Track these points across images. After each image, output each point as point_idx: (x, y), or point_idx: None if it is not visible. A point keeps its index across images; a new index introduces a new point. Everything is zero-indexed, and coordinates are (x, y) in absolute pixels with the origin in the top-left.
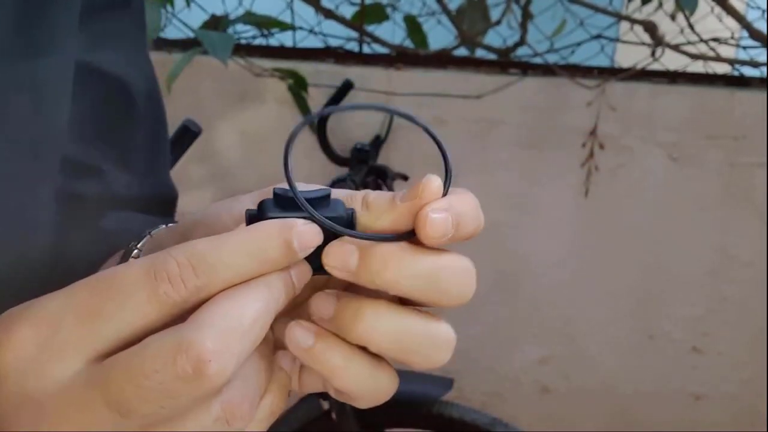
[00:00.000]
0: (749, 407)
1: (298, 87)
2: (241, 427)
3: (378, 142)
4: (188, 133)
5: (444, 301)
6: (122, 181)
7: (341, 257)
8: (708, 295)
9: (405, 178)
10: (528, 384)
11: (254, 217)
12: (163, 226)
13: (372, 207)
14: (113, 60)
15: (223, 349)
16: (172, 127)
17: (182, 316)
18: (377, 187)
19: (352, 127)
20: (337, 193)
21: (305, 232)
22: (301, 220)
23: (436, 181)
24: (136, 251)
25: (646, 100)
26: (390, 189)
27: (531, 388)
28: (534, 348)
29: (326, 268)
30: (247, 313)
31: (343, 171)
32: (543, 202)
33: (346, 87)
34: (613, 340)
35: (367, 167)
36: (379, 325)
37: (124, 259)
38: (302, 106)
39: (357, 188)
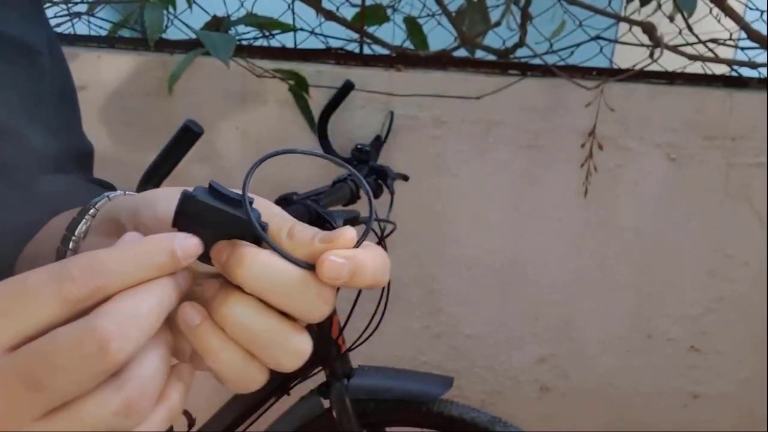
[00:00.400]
0: (747, 406)
1: (300, 88)
2: (138, 421)
3: (378, 142)
4: (189, 134)
5: (293, 312)
6: (38, 140)
7: (217, 253)
8: (706, 294)
9: (405, 178)
10: (527, 383)
11: (188, 197)
12: (120, 192)
13: (294, 238)
14: (13, 21)
15: (123, 332)
16: (174, 127)
17: (84, 314)
18: (378, 187)
19: (353, 128)
20: (275, 213)
21: (187, 245)
22: (183, 234)
23: (350, 233)
24: (93, 210)
25: (644, 100)
26: (390, 189)
27: (530, 387)
28: (533, 347)
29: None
30: (142, 306)
31: (342, 172)
32: (542, 203)
33: (347, 88)
34: (611, 340)
35: (367, 168)
36: (234, 314)
37: (81, 215)
38: (303, 107)
39: (357, 189)
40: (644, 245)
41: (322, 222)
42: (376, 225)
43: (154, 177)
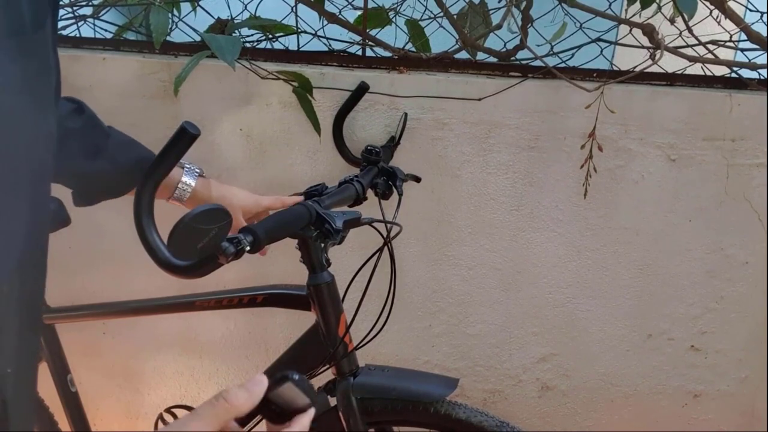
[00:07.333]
0: (747, 405)
1: (303, 90)
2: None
3: (393, 143)
4: (186, 135)
5: None
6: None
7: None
8: (706, 294)
9: (417, 180)
10: (528, 382)
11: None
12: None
13: None
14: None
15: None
16: (175, 128)
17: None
18: (387, 188)
19: (355, 130)
20: None
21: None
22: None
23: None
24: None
25: (645, 102)
26: (399, 191)
27: (531, 386)
28: (534, 347)
29: None
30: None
31: (352, 172)
32: (542, 204)
33: (362, 90)
34: (612, 339)
35: (377, 169)
36: None
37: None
38: (307, 108)
39: (364, 189)
40: (644, 245)
41: (322, 222)
42: (382, 227)
43: (153, 176)
